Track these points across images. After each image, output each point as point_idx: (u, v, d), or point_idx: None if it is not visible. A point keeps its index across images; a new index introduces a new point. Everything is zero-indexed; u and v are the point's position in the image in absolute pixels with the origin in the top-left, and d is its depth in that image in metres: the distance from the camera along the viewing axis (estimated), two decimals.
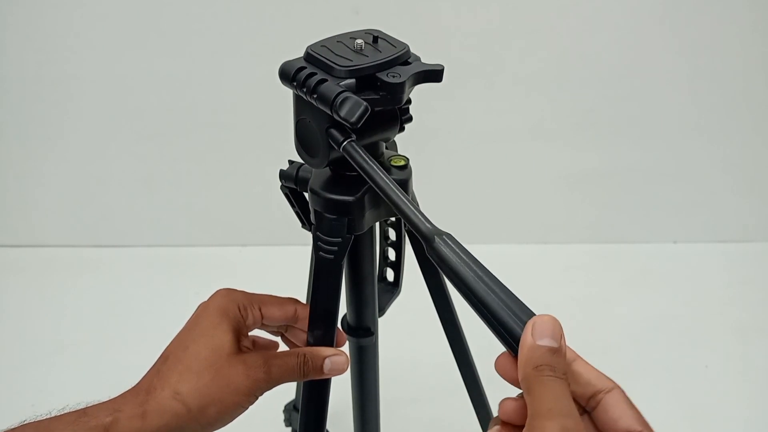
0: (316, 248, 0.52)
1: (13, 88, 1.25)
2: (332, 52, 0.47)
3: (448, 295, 0.61)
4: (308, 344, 0.54)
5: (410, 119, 0.51)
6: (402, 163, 0.53)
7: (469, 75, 1.19)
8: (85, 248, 1.33)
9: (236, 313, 0.49)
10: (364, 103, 0.43)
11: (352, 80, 0.45)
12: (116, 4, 1.18)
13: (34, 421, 0.43)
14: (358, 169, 0.44)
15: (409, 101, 0.51)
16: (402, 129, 0.52)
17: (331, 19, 1.18)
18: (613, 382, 0.38)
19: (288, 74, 0.48)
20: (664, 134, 1.28)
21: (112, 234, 1.35)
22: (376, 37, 0.49)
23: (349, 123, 0.43)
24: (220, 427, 0.47)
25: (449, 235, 0.39)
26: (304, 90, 0.46)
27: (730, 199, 1.33)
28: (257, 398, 0.48)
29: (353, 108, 0.43)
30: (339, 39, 0.49)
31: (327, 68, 0.46)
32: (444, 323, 0.64)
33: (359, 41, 0.48)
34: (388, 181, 0.43)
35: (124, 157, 1.31)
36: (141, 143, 1.29)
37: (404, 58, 0.48)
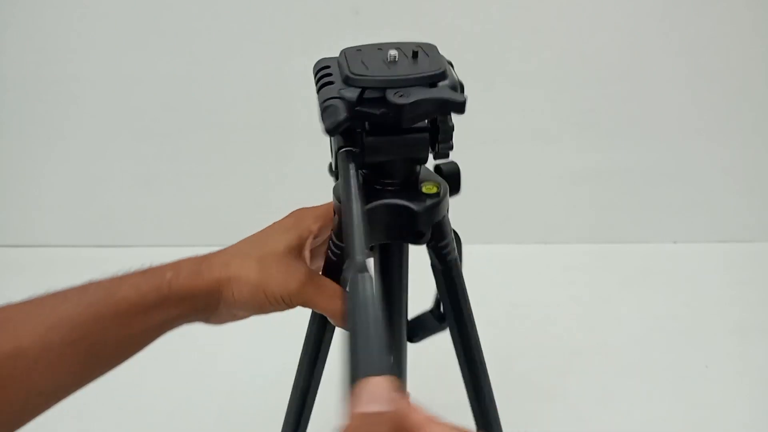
0: (328, 246, 0.54)
1: (13, 88, 1.25)
2: (361, 57, 0.46)
3: (465, 311, 0.58)
4: None
5: (448, 145, 0.48)
6: (433, 190, 0.50)
7: (469, 75, 1.19)
8: (85, 248, 1.33)
9: (308, 225, 0.53)
10: (344, 116, 0.43)
11: (357, 90, 0.44)
12: (117, 4, 1.18)
13: (101, 280, 0.48)
14: (341, 178, 0.44)
15: (449, 127, 0.47)
16: (440, 155, 0.49)
17: (331, 19, 1.18)
18: None
19: (315, 69, 0.48)
20: (664, 134, 1.28)
21: (112, 234, 1.35)
22: (416, 52, 0.46)
23: (323, 129, 0.43)
24: (243, 312, 0.52)
25: (370, 277, 0.37)
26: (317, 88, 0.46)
27: (730, 199, 1.33)
28: (281, 305, 0.51)
29: (330, 116, 0.43)
30: (380, 46, 0.48)
31: (342, 72, 0.46)
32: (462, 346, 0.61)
33: (393, 52, 0.46)
34: (354, 198, 0.42)
35: (124, 157, 1.31)
36: (141, 143, 1.29)
37: (431, 80, 0.45)
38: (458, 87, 0.45)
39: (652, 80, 1.23)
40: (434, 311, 0.62)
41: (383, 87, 0.44)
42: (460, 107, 0.44)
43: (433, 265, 0.55)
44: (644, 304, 1.17)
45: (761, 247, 1.32)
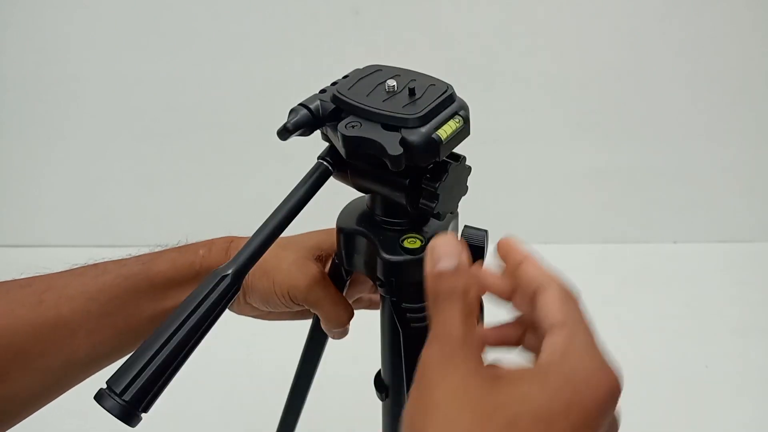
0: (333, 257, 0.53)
1: (13, 88, 1.25)
2: (369, 77, 0.45)
3: None
4: None
5: (429, 206, 0.43)
6: (414, 245, 0.45)
7: (469, 75, 1.19)
8: (85, 248, 1.33)
9: (331, 245, 0.53)
10: (291, 122, 0.42)
11: (331, 107, 0.43)
12: (116, 4, 1.18)
13: (140, 255, 0.50)
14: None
15: (430, 188, 0.42)
16: (420, 211, 0.44)
17: (331, 19, 1.18)
18: (553, 279, 0.36)
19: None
20: (664, 134, 1.28)
21: (112, 234, 1.35)
22: (412, 89, 0.42)
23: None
24: (253, 301, 0.52)
25: (228, 284, 0.38)
26: None
27: (730, 199, 1.33)
28: (286, 299, 0.50)
29: (288, 120, 0.42)
30: (398, 72, 0.45)
31: (334, 84, 0.45)
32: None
33: (392, 83, 0.43)
34: (282, 210, 0.41)
35: (124, 157, 1.31)
36: (141, 143, 1.29)
37: (397, 123, 0.40)
38: (423, 142, 0.39)
39: (652, 80, 1.23)
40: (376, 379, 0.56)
41: (351, 112, 0.42)
42: (392, 160, 0.39)
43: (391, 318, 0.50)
44: (644, 304, 1.17)
45: (761, 247, 1.32)
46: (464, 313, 0.34)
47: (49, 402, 0.47)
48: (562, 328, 0.33)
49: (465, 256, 0.35)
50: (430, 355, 0.33)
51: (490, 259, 0.49)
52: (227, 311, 0.54)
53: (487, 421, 0.30)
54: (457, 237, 0.37)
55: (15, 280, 0.48)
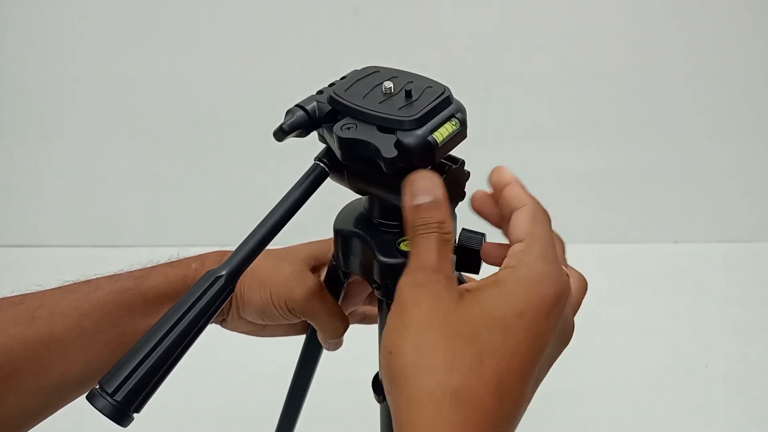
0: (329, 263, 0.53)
1: (13, 88, 1.25)
2: (366, 78, 0.44)
3: None
4: None
5: None
6: (408, 248, 0.46)
7: (469, 75, 1.19)
8: (85, 248, 1.33)
9: (325, 254, 0.54)
10: (287, 123, 0.41)
11: (327, 108, 0.42)
12: (117, 4, 1.18)
13: (133, 270, 0.50)
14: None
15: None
16: None
17: (331, 19, 1.18)
18: (529, 199, 0.40)
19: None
20: (664, 134, 1.28)
21: (112, 234, 1.35)
22: (408, 91, 0.42)
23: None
24: (249, 315, 0.52)
25: (221, 285, 0.38)
26: None
27: (730, 199, 1.32)
28: (284, 311, 0.50)
29: (284, 121, 0.42)
30: (395, 74, 0.44)
31: (332, 85, 0.44)
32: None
33: (389, 85, 0.42)
34: (278, 212, 0.40)
35: (124, 157, 1.31)
36: (141, 143, 1.29)
37: (392, 125, 0.40)
38: (418, 145, 0.39)
39: (652, 80, 1.23)
40: (374, 382, 0.54)
41: (347, 114, 0.41)
42: (386, 163, 0.39)
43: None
44: (644, 304, 1.17)
45: (761, 247, 1.32)
46: (439, 243, 0.37)
47: (40, 422, 0.46)
48: (523, 241, 0.37)
49: (441, 190, 0.38)
50: (405, 283, 0.36)
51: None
52: (219, 328, 0.53)
53: (454, 338, 0.34)
54: (434, 173, 0.39)
55: (6, 297, 0.47)
